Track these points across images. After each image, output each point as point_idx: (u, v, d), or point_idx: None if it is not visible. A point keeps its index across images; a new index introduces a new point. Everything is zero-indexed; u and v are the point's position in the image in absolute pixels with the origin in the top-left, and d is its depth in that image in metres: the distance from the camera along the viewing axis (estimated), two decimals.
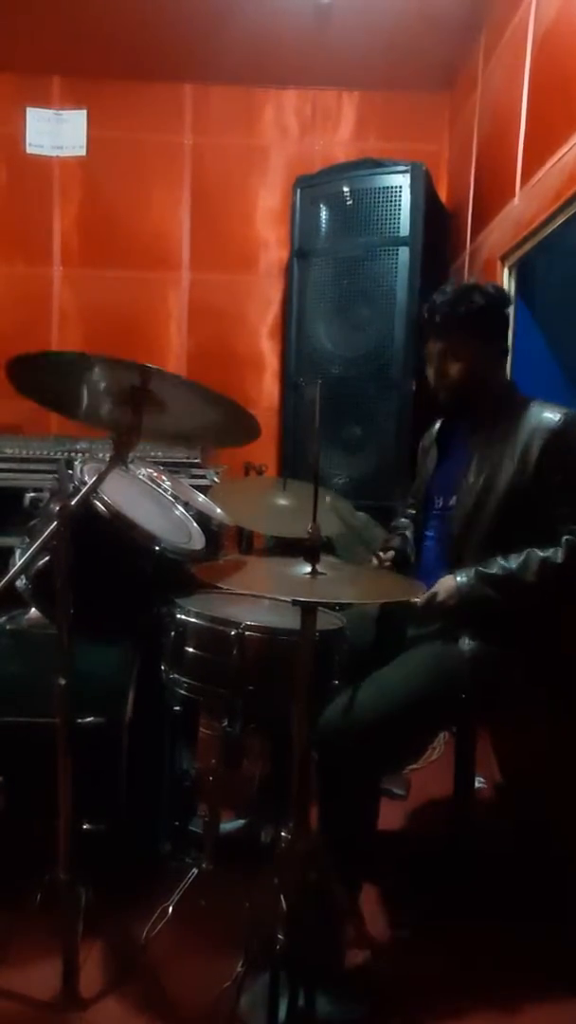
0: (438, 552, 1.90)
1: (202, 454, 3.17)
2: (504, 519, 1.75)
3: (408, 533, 2.08)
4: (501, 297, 1.85)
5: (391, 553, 2.02)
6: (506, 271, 2.67)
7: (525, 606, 1.72)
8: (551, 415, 1.73)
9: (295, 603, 1.37)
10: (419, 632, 1.81)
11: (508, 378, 1.87)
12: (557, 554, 1.67)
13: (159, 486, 2.17)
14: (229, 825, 2.05)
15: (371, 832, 1.76)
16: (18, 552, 1.87)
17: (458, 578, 1.74)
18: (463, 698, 1.69)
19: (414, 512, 2.07)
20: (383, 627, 1.92)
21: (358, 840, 1.69)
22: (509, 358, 2.66)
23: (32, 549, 1.57)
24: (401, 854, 2.16)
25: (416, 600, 1.73)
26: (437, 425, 2.04)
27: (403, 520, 2.14)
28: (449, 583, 1.74)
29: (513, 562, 1.70)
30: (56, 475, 2.81)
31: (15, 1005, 1.55)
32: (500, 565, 1.70)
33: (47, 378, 1.60)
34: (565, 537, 1.67)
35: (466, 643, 1.72)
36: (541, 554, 1.68)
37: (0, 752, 1.78)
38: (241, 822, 2.07)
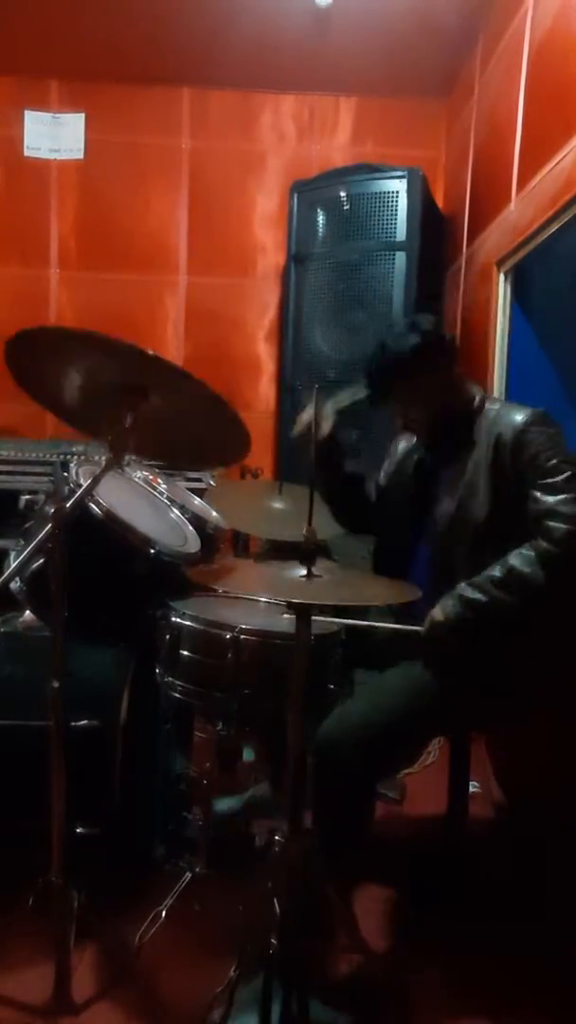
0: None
1: None
2: (487, 529, 1.72)
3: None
4: (434, 327, 1.83)
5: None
6: (502, 276, 2.68)
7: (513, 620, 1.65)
8: (517, 415, 1.73)
9: (290, 607, 1.37)
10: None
11: (473, 390, 1.85)
12: (536, 572, 1.60)
13: (155, 489, 2.17)
14: (224, 804, 2.05)
15: (366, 837, 1.76)
16: (13, 555, 1.88)
17: (438, 612, 1.67)
18: (433, 712, 1.68)
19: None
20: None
21: (353, 845, 1.69)
22: (506, 363, 2.69)
23: (27, 551, 1.58)
24: (395, 859, 2.16)
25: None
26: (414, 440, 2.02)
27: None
28: (436, 615, 1.67)
29: (499, 588, 1.62)
30: (52, 477, 2.81)
31: (6, 1009, 1.54)
32: (484, 588, 1.63)
33: (45, 363, 1.56)
34: (544, 548, 1.60)
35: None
36: (523, 569, 1.60)
37: None
38: (236, 799, 2.07)
